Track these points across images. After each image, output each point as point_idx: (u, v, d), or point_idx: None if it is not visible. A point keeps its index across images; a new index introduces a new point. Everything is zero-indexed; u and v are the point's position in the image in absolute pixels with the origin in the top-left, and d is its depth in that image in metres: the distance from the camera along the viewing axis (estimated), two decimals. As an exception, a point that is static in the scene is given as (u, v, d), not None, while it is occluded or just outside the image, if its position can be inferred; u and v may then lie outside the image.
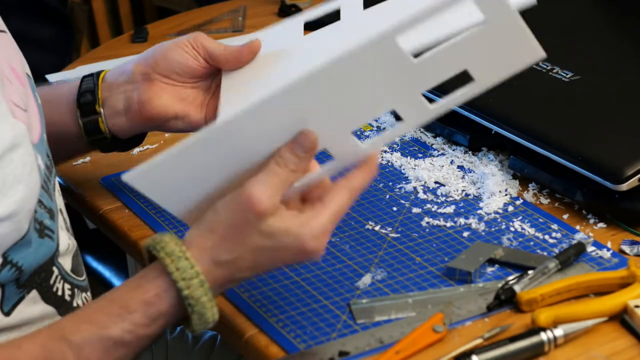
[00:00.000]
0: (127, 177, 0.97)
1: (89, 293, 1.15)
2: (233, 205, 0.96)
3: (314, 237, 0.96)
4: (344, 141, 0.99)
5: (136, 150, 1.41)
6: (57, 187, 1.13)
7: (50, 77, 1.67)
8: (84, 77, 1.23)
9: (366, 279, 1.11)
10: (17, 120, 0.99)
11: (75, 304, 1.10)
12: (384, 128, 1.43)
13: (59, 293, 1.07)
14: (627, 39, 1.48)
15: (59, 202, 1.12)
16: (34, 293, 1.04)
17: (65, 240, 1.09)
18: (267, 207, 0.94)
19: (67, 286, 1.09)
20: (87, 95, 1.21)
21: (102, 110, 1.21)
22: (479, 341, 1.01)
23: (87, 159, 1.39)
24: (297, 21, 1.22)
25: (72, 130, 1.23)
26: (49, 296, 1.06)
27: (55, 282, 1.07)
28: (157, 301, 0.95)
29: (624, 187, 1.19)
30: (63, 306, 1.08)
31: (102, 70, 1.23)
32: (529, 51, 0.95)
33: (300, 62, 1.15)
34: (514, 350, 0.99)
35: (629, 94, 1.33)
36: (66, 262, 1.10)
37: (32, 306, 1.04)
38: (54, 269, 1.07)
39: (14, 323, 1.03)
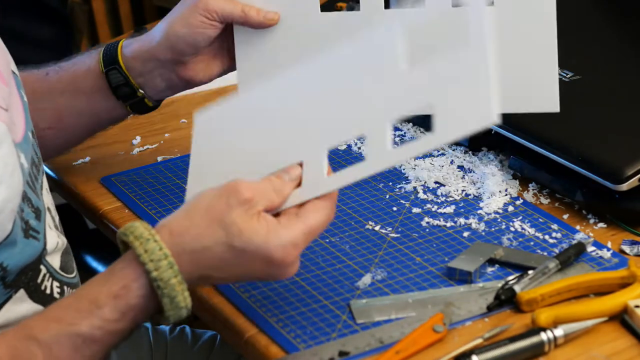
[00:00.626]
0: (197, 116, 1.03)
1: None
2: (218, 190, 0.96)
3: (282, 247, 0.94)
4: (317, 161, 1.00)
5: (136, 150, 1.41)
6: (46, 185, 1.12)
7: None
8: (107, 70, 1.23)
9: (366, 279, 1.11)
10: None
11: None
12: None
13: (47, 291, 1.07)
14: (627, 39, 1.48)
15: (47, 200, 1.11)
16: (21, 292, 1.04)
17: (54, 239, 1.09)
18: (250, 196, 0.94)
19: (55, 284, 1.08)
20: (123, 88, 1.24)
21: (143, 92, 1.24)
22: (479, 341, 1.01)
23: (87, 159, 1.39)
24: None
25: (119, 113, 1.26)
26: (37, 295, 1.06)
27: (43, 280, 1.06)
28: (126, 293, 0.93)
29: (624, 187, 1.19)
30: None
31: (117, 58, 1.23)
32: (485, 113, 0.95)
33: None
34: (514, 350, 0.99)
35: (629, 94, 1.33)
36: (55, 260, 1.09)
37: (19, 305, 1.04)
38: (42, 267, 1.06)
39: (1, 323, 1.02)
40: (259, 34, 1.21)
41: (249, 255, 0.95)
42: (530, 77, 1.13)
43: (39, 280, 1.06)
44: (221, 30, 1.21)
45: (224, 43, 1.23)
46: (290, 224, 0.96)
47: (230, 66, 1.25)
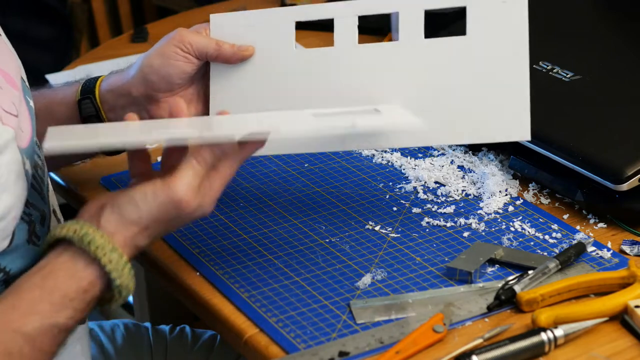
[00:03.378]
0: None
1: None
2: (159, 201, 1.01)
3: (184, 190, 1.00)
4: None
5: (136, 150, 1.40)
6: (51, 187, 1.12)
7: (50, 77, 1.67)
8: (80, 99, 1.21)
9: (366, 279, 1.11)
10: (6, 127, 0.99)
11: None
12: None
13: None
14: (627, 39, 1.48)
15: (53, 201, 1.11)
16: None
17: None
18: (195, 203, 1.01)
19: None
20: (93, 120, 1.21)
21: None
22: (479, 341, 1.01)
23: (87, 159, 1.39)
24: (289, 20, 1.20)
25: None
26: None
27: None
28: (92, 288, 0.99)
29: (624, 187, 1.19)
30: None
31: (94, 89, 1.21)
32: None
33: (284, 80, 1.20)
34: (514, 351, 0.99)
35: (629, 94, 1.33)
36: None
37: None
38: None
39: None
40: (234, 71, 1.20)
41: (165, 207, 1.01)
42: (502, 106, 1.14)
43: None
44: (198, 73, 1.19)
45: (201, 91, 1.21)
46: (181, 172, 1.01)
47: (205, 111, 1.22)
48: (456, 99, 1.16)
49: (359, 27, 1.18)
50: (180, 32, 1.18)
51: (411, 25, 1.17)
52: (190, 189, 1.01)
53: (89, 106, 1.21)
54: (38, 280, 0.98)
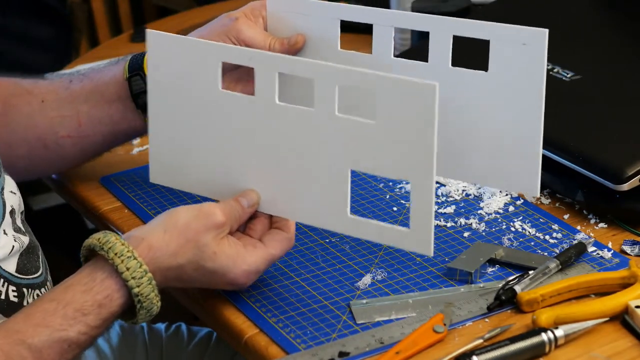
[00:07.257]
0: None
1: (44, 289, 1.13)
2: (195, 211, 1.03)
3: (246, 272, 1.04)
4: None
5: (136, 150, 1.41)
6: (7, 188, 1.11)
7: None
8: (130, 76, 1.21)
9: (366, 279, 1.11)
10: None
11: (26, 304, 1.09)
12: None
13: (2, 297, 1.06)
14: (627, 39, 1.48)
15: (10, 202, 1.11)
16: None
17: (8, 245, 1.07)
18: (223, 221, 1.03)
19: (12, 288, 1.07)
20: (143, 96, 1.20)
21: None
22: (479, 341, 1.01)
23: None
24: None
25: (137, 124, 1.24)
26: None
27: None
28: (109, 303, 0.99)
29: (625, 187, 1.18)
30: (11, 308, 1.06)
31: (142, 65, 1.21)
32: None
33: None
34: (515, 351, 0.99)
35: (629, 94, 1.33)
36: (9, 265, 1.08)
37: None
38: None
39: None
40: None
41: (216, 276, 1.04)
42: (515, 160, 1.10)
43: None
44: None
45: (251, 70, 1.17)
46: (256, 252, 1.05)
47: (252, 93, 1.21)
48: (469, 134, 1.12)
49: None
50: (237, 26, 1.18)
51: (440, 49, 1.12)
52: (223, 208, 1.04)
53: (138, 82, 1.22)
54: (58, 292, 0.99)
